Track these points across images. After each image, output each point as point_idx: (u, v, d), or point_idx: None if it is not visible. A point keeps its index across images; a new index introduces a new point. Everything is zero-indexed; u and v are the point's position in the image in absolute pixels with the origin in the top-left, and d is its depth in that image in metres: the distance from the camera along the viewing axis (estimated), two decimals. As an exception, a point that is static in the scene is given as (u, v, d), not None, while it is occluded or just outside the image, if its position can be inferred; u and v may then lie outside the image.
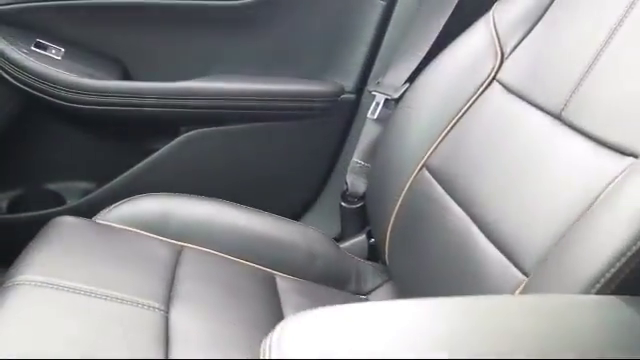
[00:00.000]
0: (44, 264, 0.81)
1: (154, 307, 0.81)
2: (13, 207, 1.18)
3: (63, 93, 1.09)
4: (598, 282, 0.52)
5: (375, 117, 1.10)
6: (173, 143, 1.17)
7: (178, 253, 0.95)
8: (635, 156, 0.63)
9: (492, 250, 0.74)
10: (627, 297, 0.51)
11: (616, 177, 0.62)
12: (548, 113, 0.79)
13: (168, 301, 0.84)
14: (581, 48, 0.79)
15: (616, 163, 0.64)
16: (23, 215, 1.17)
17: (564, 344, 0.44)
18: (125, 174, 1.14)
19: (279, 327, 0.43)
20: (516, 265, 0.69)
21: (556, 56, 0.85)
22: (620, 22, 0.76)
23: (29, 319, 0.72)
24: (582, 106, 0.75)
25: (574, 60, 0.79)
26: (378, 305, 0.55)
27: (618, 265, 0.52)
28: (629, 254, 0.51)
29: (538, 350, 0.43)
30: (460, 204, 0.85)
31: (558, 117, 0.77)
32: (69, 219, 0.96)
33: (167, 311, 0.82)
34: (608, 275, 0.52)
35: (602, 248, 0.53)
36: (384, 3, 1.15)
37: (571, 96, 0.77)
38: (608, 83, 0.73)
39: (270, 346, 0.41)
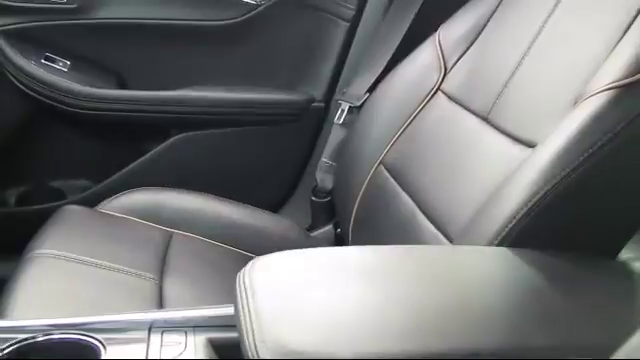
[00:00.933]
0: (57, 241, 0.96)
1: (150, 277, 0.95)
2: (21, 201, 1.32)
3: (68, 100, 1.25)
4: (496, 239, 0.68)
5: (340, 122, 1.25)
6: (164, 144, 1.30)
7: (169, 237, 1.08)
8: (534, 146, 0.79)
9: (428, 225, 0.89)
10: (516, 249, 0.67)
11: (520, 163, 0.79)
12: (479, 116, 0.94)
13: (161, 274, 0.97)
14: (506, 60, 0.91)
15: (522, 153, 0.80)
16: (29, 208, 1.31)
17: (450, 277, 0.61)
18: (121, 172, 1.28)
19: (250, 263, 0.59)
20: (444, 235, 0.85)
21: (487, 68, 0.98)
22: (535, 38, 0.88)
23: (50, 284, 0.87)
24: (503, 109, 0.90)
25: (500, 71, 0.91)
26: (328, 250, 0.73)
27: (511, 225, 0.68)
28: (519, 215, 0.67)
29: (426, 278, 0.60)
30: (408, 193, 0.98)
31: (485, 119, 0.92)
32: (75, 207, 1.10)
33: (161, 281, 0.96)
34: (504, 232, 0.68)
35: (500, 211, 0.69)
36: (348, 24, 1.31)
37: (495, 101, 0.91)
38: (522, 89, 0.88)
39: (243, 274, 0.57)
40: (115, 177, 1.28)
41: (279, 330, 0.49)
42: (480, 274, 0.63)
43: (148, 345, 0.65)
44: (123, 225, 1.09)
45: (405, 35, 1.22)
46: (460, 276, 0.61)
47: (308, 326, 0.50)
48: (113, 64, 1.31)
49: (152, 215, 1.12)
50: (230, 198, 1.21)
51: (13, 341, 0.64)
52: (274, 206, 1.34)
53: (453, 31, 1.08)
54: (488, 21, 1.03)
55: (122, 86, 1.31)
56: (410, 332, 0.52)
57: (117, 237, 1.04)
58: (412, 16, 1.23)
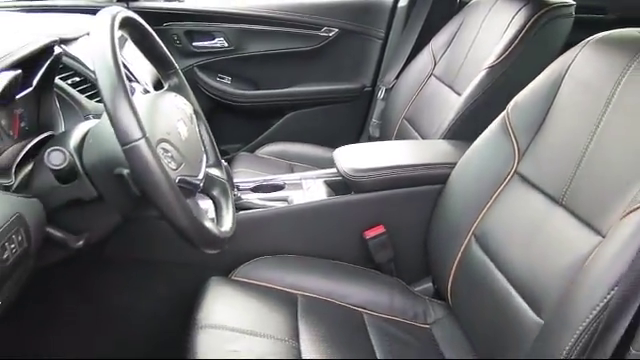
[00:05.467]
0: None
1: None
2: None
3: (231, 98, 2.26)
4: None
5: (381, 98, 2.15)
6: (282, 119, 2.29)
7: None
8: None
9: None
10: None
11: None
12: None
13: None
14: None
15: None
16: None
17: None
18: (261, 135, 2.27)
19: (337, 149, 1.46)
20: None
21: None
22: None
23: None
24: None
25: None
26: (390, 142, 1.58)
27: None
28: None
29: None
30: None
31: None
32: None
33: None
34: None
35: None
36: (381, 41, 2.25)
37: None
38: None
39: (334, 154, 1.45)
40: (259, 139, 2.26)
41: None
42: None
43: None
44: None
45: (414, 44, 2.09)
46: None
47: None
48: (252, 76, 2.33)
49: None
50: (318, 144, 2.07)
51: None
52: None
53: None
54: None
55: (257, 88, 2.33)
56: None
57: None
58: (417, 32, 2.11)
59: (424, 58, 1.97)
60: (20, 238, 0.81)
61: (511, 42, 1.55)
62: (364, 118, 2.30)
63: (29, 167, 0.95)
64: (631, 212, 0.81)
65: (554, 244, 0.96)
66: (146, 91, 1.49)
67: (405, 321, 1.25)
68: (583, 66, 1.08)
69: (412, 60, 2.03)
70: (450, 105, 1.63)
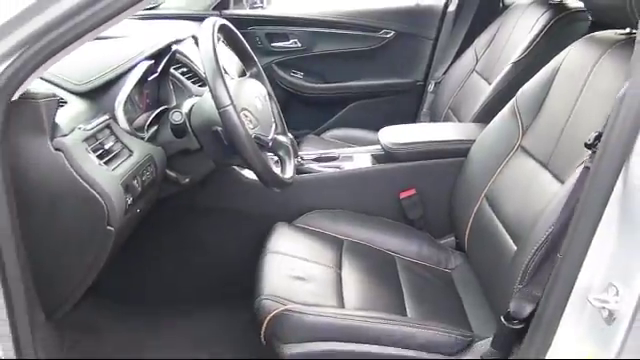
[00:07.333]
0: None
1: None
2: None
3: (302, 90, 2.67)
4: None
5: (430, 91, 2.48)
6: (346, 108, 2.66)
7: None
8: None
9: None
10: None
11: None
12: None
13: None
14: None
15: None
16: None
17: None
18: (329, 121, 2.64)
19: (382, 129, 1.81)
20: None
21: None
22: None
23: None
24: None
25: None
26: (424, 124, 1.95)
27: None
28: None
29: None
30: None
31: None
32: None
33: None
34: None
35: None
36: (432, 41, 2.57)
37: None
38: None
39: (379, 133, 1.82)
40: (325, 125, 2.64)
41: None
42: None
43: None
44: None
45: (460, 44, 2.41)
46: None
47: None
48: (321, 71, 2.72)
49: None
50: (376, 130, 2.30)
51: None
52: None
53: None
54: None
55: (325, 82, 2.71)
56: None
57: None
58: (463, 33, 2.43)
59: (468, 56, 2.27)
60: (151, 170, 1.23)
61: (532, 41, 1.84)
62: (416, 108, 2.62)
63: (154, 128, 1.37)
64: (579, 165, 1.03)
65: (535, 196, 1.20)
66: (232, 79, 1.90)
67: (430, 265, 1.51)
68: (571, 60, 1.37)
69: (458, 58, 2.35)
70: (483, 95, 1.94)
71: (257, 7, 2.72)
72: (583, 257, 0.91)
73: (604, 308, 0.89)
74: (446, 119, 2.21)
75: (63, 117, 1.05)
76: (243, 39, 1.48)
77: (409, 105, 2.63)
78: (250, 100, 1.35)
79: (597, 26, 1.40)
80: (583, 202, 0.91)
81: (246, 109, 1.30)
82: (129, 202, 1.11)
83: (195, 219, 1.67)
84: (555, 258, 0.97)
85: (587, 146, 0.95)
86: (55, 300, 1.06)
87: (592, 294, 0.91)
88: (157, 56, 1.40)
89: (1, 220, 0.92)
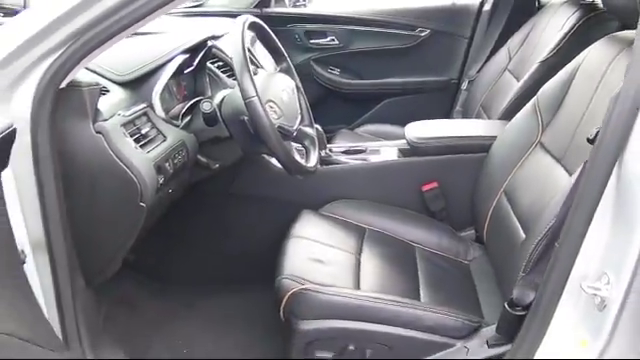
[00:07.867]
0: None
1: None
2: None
3: (339, 86, 2.74)
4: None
5: (464, 89, 2.53)
6: (380, 104, 2.72)
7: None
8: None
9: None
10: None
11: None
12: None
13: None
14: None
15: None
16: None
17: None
18: (363, 117, 2.70)
19: (408, 124, 1.88)
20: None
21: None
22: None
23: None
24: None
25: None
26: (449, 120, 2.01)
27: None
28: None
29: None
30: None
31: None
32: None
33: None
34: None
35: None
36: (467, 39, 2.60)
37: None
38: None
39: (406, 128, 1.88)
40: (359, 120, 2.70)
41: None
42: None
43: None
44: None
45: (494, 43, 2.44)
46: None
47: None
48: (357, 68, 2.78)
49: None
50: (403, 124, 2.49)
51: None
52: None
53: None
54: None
55: (361, 78, 2.78)
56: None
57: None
58: (498, 32, 2.46)
59: (501, 55, 2.30)
60: (183, 154, 1.35)
61: (561, 40, 1.86)
62: (449, 106, 2.66)
63: (188, 117, 1.49)
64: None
65: (548, 191, 1.24)
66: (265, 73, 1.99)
67: (448, 256, 1.55)
68: (590, 60, 1.41)
69: (492, 56, 2.37)
70: (512, 92, 1.97)
71: (300, 5, 2.81)
72: (579, 246, 0.96)
73: (596, 295, 0.94)
74: (477, 116, 2.24)
75: (105, 104, 1.17)
76: (274, 36, 1.57)
77: (443, 103, 2.67)
78: (277, 92, 1.44)
79: (626, 26, 1.42)
80: (579, 194, 0.96)
81: (272, 100, 1.40)
82: (161, 182, 1.22)
83: (226, 205, 1.76)
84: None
85: (589, 141, 0.99)
86: (94, 268, 1.18)
87: (586, 282, 0.96)
88: (193, 50, 1.51)
89: (49, 196, 1.03)
